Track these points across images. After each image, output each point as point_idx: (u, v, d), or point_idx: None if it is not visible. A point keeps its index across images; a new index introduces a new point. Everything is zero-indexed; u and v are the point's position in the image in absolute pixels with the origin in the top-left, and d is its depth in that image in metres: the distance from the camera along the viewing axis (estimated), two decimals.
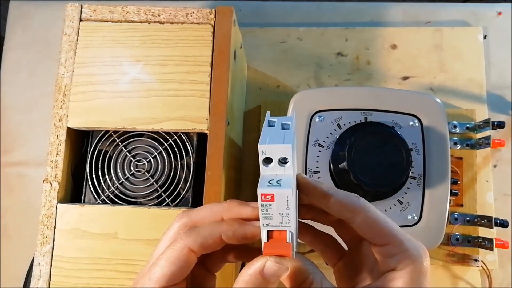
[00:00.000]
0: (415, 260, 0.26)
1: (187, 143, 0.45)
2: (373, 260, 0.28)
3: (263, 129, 0.26)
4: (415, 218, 0.45)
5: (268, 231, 0.25)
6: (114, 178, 0.45)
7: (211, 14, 0.45)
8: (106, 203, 0.44)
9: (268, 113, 0.28)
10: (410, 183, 0.45)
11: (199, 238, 0.26)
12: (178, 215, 0.29)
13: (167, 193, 0.44)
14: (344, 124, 0.46)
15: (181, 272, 0.26)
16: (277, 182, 0.24)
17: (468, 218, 0.52)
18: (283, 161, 0.24)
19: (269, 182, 0.24)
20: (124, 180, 0.45)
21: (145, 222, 0.42)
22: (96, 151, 0.45)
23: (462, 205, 0.53)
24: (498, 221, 0.50)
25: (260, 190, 0.23)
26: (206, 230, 0.26)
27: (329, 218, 0.30)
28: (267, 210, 0.24)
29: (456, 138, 0.54)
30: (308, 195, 0.27)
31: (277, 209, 0.24)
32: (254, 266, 0.25)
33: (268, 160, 0.24)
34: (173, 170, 0.44)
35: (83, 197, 0.44)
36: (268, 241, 0.25)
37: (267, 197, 0.23)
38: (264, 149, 0.24)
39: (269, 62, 0.61)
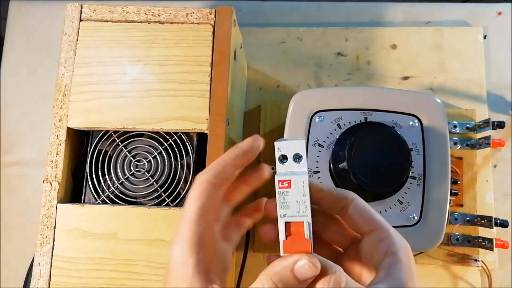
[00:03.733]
0: (402, 241, 0.28)
1: (187, 143, 0.45)
2: (365, 258, 0.29)
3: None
4: (415, 218, 0.45)
5: (286, 223, 0.25)
6: (114, 178, 0.45)
7: (211, 14, 0.45)
8: (106, 203, 0.44)
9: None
10: (410, 183, 0.45)
11: (211, 169, 0.29)
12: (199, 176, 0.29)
13: (167, 193, 0.44)
14: (344, 124, 0.46)
15: (207, 204, 0.27)
16: (292, 172, 0.25)
17: (468, 218, 0.52)
18: (297, 158, 0.25)
19: (285, 173, 0.25)
20: (124, 180, 0.45)
21: (145, 222, 0.42)
22: (96, 151, 0.45)
23: (462, 205, 0.53)
24: (498, 221, 0.50)
25: (277, 177, 0.25)
26: (215, 161, 0.29)
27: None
28: (284, 199, 0.25)
29: (456, 138, 0.54)
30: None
31: (294, 196, 0.25)
32: (288, 261, 0.25)
33: (283, 157, 0.26)
34: (173, 170, 0.44)
35: (83, 197, 0.44)
36: (286, 238, 0.25)
37: (284, 183, 0.24)
38: (280, 146, 0.26)
39: (269, 62, 0.61)
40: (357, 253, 0.29)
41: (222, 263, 0.30)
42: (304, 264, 0.24)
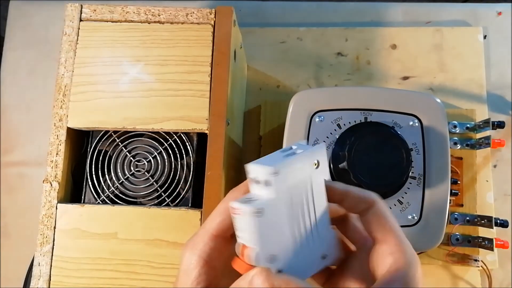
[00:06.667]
0: (412, 260, 0.26)
1: (187, 143, 0.45)
2: (366, 267, 0.28)
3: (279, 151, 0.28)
4: (415, 218, 0.45)
5: (242, 244, 0.25)
6: (114, 178, 0.45)
7: (211, 14, 0.45)
8: (106, 203, 0.44)
9: (301, 142, 0.29)
10: (410, 183, 0.45)
11: (242, 187, 0.29)
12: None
13: (167, 193, 0.44)
14: (344, 124, 0.46)
15: (229, 221, 0.27)
16: (251, 200, 0.25)
17: (468, 218, 0.52)
18: (267, 184, 0.25)
19: (246, 197, 0.25)
20: (124, 180, 0.45)
21: (145, 222, 0.42)
22: (96, 151, 0.45)
23: (462, 205, 0.53)
24: (498, 221, 0.50)
25: (231, 203, 0.25)
26: (246, 180, 0.28)
27: None
28: (237, 224, 0.25)
29: (456, 138, 0.54)
30: (330, 191, 0.28)
31: (243, 224, 0.25)
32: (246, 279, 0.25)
33: (253, 180, 0.26)
34: (173, 170, 0.44)
35: (83, 197, 0.44)
36: (239, 256, 0.25)
37: (235, 211, 0.25)
38: (249, 168, 0.26)
39: (269, 62, 0.61)
40: (367, 257, 0.29)
41: (230, 278, 0.30)
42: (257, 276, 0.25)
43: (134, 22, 0.45)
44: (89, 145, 0.45)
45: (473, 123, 0.54)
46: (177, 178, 0.44)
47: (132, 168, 0.45)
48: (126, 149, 0.45)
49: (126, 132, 0.45)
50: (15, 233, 0.59)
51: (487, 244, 0.50)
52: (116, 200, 0.44)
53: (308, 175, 0.27)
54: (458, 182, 0.53)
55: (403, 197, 0.45)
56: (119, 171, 0.45)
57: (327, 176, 0.28)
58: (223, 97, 0.43)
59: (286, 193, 0.26)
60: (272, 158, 0.27)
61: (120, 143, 0.45)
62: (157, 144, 0.45)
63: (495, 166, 0.57)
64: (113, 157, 0.45)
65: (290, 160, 0.26)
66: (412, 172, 0.45)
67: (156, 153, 0.45)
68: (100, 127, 0.44)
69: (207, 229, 0.28)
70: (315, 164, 0.27)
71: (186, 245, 0.28)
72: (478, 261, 0.51)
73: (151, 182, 0.44)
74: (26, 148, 0.62)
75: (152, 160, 0.45)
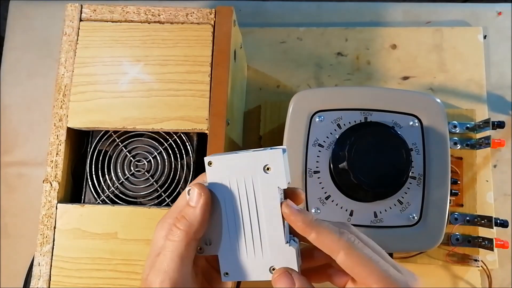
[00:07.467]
0: None
1: (187, 143, 0.45)
2: None
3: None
4: (415, 218, 0.45)
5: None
6: (114, 178, 0.45)
7: (211, 14, 0.45)
8: (106, 203, 0.44)
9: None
10: (410, 183, 0.45)
11: None
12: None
13: (167, 193, 0.44)
14: (344, 124, 0.46)
15: None
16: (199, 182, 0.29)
17: (468, 218, 0.52)
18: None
19: (203, 181, 0.29)
20: (124, 180, 0.45)
21: (145, 222, 0.42)
22: (96, 151, 0.45)
23: (462, 205, 0.53)
24: (498, 221, 0.50)
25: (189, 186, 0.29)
26: None
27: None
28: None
29: (456, 138, 0.54)
30: (291, 223, 0.27)
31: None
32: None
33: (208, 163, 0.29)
34: (173, 170, 0.44)
35: (83, 197, 0.44)
36: None
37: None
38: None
39: (269, 62, 0.61)
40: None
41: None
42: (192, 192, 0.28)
43: (134, 22, 0.45)
44: (89, 145, 0.45)
45: (473, 123, 0.54)
46: (177, 178, 0.44)
47: (132, 168, 0.45)
48: (126, 149, 0.45)
49: (126, 132, 0.45)
50: (15, 233, 0.59)
51: (487, 244, 0.50)
52: (116, 200, 0.44)
53: (249, 176, 0.27)
54: (458, 182, 0.53)
55: (403, 197, 0.45)
56: (119, 171, 0.45)
57: (283, 185, 0.27)
58: (223, 97, 0.43)
59: (219, 183, 0.28)
60: (228, 153, 0.28)
61: (120, 143, 0.45)
62: (157, 144, 0.45)
63: (495, 166, 0.57)
64: (113, 157, 0.45)
65: (229, 155, 0.28)
66: (412, 172, 0.45)
67: (156, 153, 0.45)
68: (100, 127, 0.44)
69: (177, 205, 0.29)
70: (267, 168, 0.27)
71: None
72: (478, 261, 0.51)
73: (151, 182, 0.44)
74: (26, 148, 0.62)
75: (152, 160, 0.45)
